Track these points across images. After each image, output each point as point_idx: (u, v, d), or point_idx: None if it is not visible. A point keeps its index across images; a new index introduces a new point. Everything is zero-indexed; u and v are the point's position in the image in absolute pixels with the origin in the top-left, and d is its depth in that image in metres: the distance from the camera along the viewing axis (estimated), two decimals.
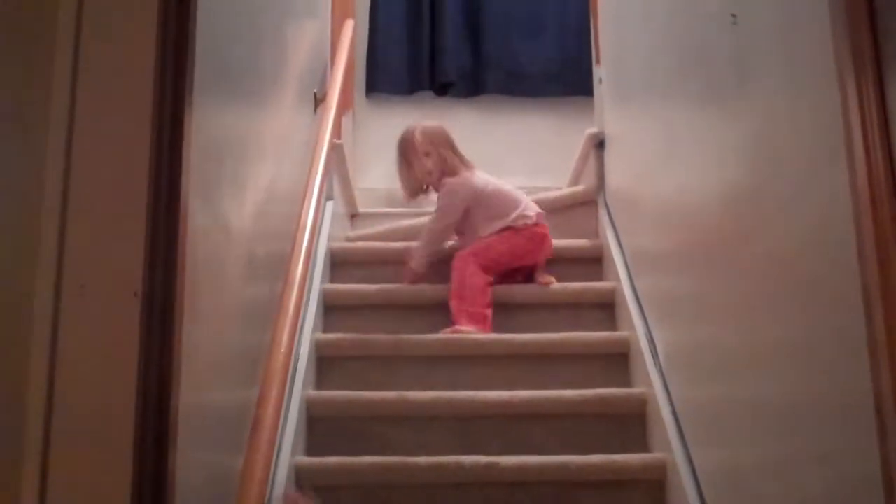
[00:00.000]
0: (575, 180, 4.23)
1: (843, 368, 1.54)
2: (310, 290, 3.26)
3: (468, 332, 3.27)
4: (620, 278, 3.41)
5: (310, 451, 2.84)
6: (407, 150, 3.76)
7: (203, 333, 1.81)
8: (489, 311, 3.38)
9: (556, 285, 3.48)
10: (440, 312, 3.38)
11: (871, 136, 1.36)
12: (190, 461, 1.64)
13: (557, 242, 3.69)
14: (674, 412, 2.74)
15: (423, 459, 2.67)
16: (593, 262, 3.72)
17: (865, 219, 1.38)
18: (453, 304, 3.37)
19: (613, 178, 3.82)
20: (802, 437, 1.78)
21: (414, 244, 3.64)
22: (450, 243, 3.68)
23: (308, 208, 3.22)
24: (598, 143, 3.97)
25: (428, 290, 3.49)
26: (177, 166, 1.43)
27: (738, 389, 2.18)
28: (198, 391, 1.74)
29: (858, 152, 1.40)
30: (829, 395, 1.66)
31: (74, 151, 1.35)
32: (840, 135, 1.49)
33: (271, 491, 2.41)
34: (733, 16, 2.11)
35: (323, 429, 2.91)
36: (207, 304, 1.84)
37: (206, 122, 1.73)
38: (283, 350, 2.52)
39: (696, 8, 2.46)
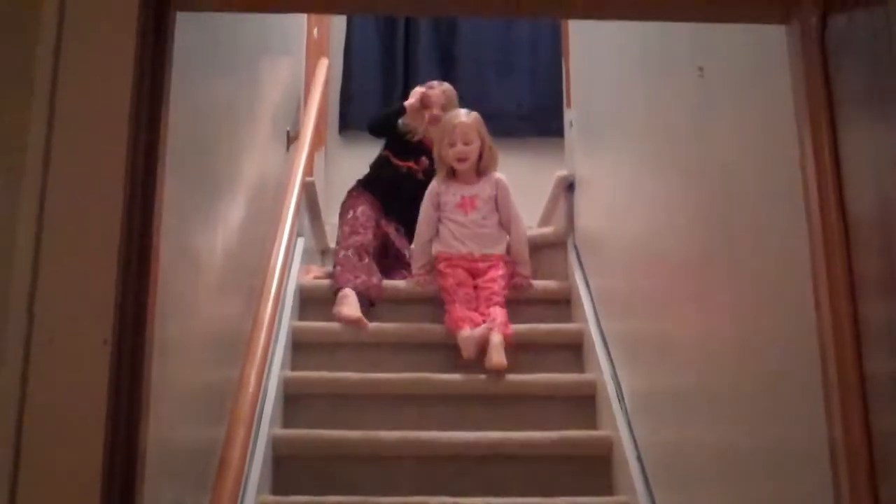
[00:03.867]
0: (545, 221, 4.27)
1: (801, 415, 1.58)
2: (279, 327, 3.27)
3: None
4: (588, 320, 3.44)
5: (275, 489, 2.84)
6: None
7: (171, 374, 1.82)
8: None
9: (523, 327, 3.50)
10: (409, 351, 3.40)
11: (825, 187, 1.41)
12: (157, 499, 1.64)
13: None
14: (638, 455, 2.77)
15: (388, 500, 2.68)
16: (562, 304, 3.75)
17: (820, 272, 1.42)
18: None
19: (583, 220, 3.86)
20: (759, 482, 1.81)
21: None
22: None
23: (279, 246, 3.25)
24: (568, 186, 4.01)
25: (394, 328, 3.50)
26: (150, 209, 1.45)
27: (698, 433, 2.21)
28: (166, 432, 1.75)
29: (814, 205, 1.44)
30: (786, 442, 1.69)
31: (48, 195, 1.36)
32: (797, 187, 1.54)
33: None
34: (700, 69, 2.16)
35: (289, 467, 2.91)
36: (176, 344, 1.85)
37: (180, 161, 1.75)
38: (250, 390, 2.53)
39: (666, 58, 2.52)
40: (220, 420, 2.38)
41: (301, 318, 3.62)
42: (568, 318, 3.69)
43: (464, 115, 3.79)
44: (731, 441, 1.97)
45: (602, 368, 3.18)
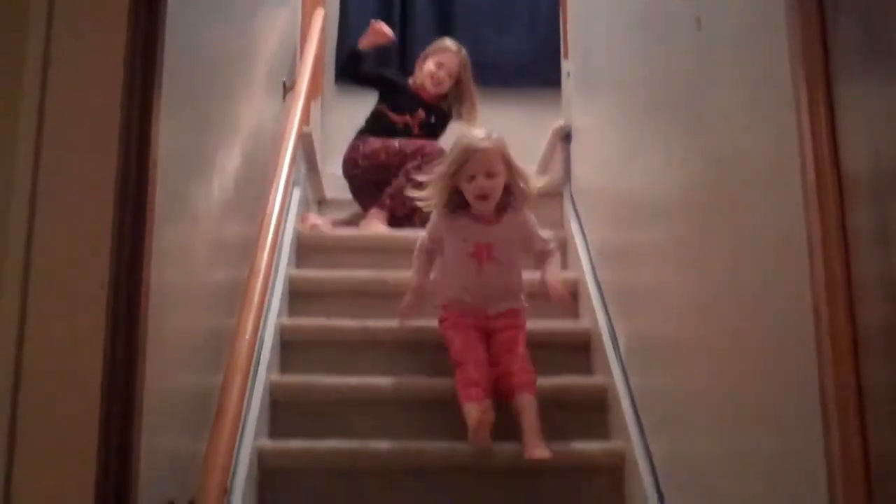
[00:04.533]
0: (541, 171, 4.26)
1: (796, 362, 1.59)
2: (276, 276, 3.29)
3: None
4: (584, 269, 3.46)
5: (273, 434, 2.88)
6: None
7: (169, 321, 1.84)
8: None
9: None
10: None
11: (820, 143, 1.42)
12: (154, 446, 1.67)
13: None
14: (633, 402, 2.80)
15: (385, 444, 2.71)
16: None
17: (814, 222, 1.44)
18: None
19: (579, 171, 3.86)
20: (753, 428, 1.84)
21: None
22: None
23: (275, 194, 3.25)
24: (565, 136, 4.01)
25: (391, 277, 3.50)
26: (145, 156, 1.46)
27: (693, 381, 2.24)
28: (163, 378, 1.77)
29: (809, 158, 1.45)
30: (777, 389, 1.71)
31: (44, 139, 1.37)
32: (794, 143, 1.55)
33: (234, 475, 2.44)
34: (698, 20, 2.15)
35: (286, 413, 2.94)
36: (173, 291, 1.87)
37: (176, 108, 1.75)
38: (247, 337, 2.55)
39: (664, 9, 2.51)
40: (217, 367, 2.41)
41: (298, 266, 3.64)
42: (563, 266, 3.69)
43: (484, 139, 2.90)
44: (725, 387, 2.00)
45: (597, 317, 3.20)
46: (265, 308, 2.96)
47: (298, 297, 3.46)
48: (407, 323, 3.09)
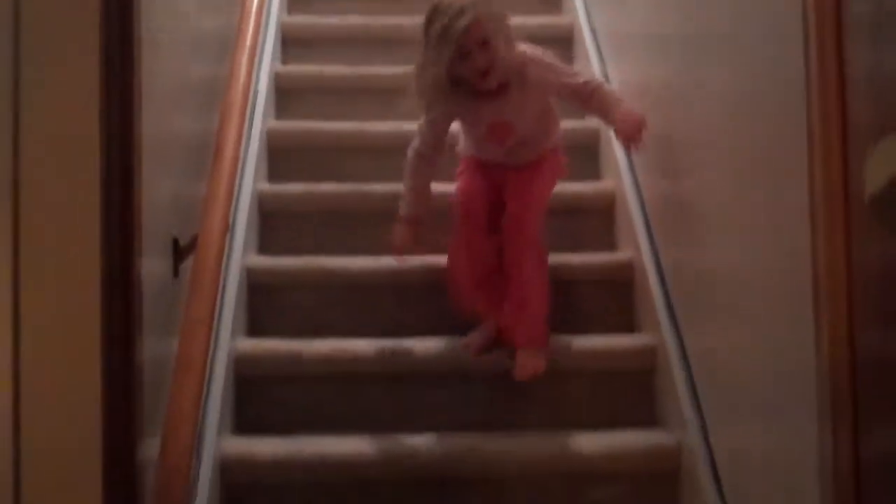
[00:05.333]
0: None
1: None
2: (268, 20, 3.26)
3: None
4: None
5: (271, 178, 2.96)
6: None
7: (163, 65, 1.87)
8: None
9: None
10: (403, 46, 3.30)
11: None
12: (154, 189, 1.74)
13: None
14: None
15: (380, 186, 2.79)
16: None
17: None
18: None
19: None
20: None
21: None
22: None
23: None
24: None
25: (395, 23, 3.42)
26: None
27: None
28: (159, 122, 1.81)
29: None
30: (764, 131, 1.74)
31: None
32: None
33: (235, 215, 2.54)
34: None
35: (284, 159, 3.00)
36: (164, 38, 1.88)
37: None
38: (241, 80, 2.58)
39: None
40: (213, 113, 2.45)
41: (291, 13, 3.59)
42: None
43: (459, 13, 2.30)
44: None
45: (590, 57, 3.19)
46: (258, 54, 2.96)
47: (292, 44, 3.44)
48: (406, 261, 2.55)
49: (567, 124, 2.77)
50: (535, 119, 2.48)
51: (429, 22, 2.34)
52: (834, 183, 1.38)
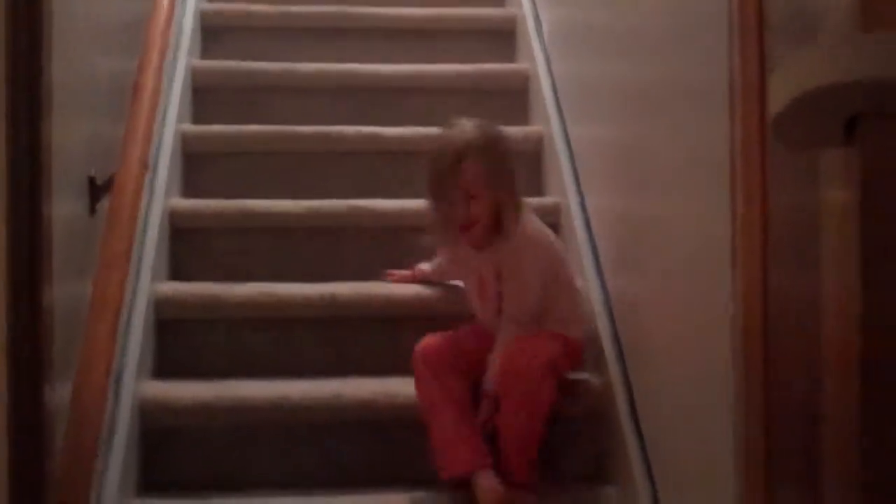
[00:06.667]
0: None
1: (704, 49, 1.62)
2: None
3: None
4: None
5: (196, 120, 2.90)
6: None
7: (78, 3, 1.81)
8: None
9: None
10: None
11: None
12: (69, 128, 1.69)
13: None
14: (554, 88, 2.85)
15: (307, 128, 2.75)
16: None
17: None
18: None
19: None
20: (658, 114, 1.89)
21: None
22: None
23: None
24: None
25: None
26: None
27: (611, 68, 2.27)
28: (74, 62, 1.75)
29: None
30: (688, 80, 1.75)
31: None
32: None
33: (157, 155, 2.48)
34: None
35: (209, 99, 2.95)
36: None
37: None
38: (163, 15, 2.50)
39: None
40: (133, 50, 2.38)
41: None
42: None
43: (458, 150, 2.06)
44: (637, 75, 2.04)
45: (522, 3, 3.18)
46: None
47: None
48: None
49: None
50: (526, 283, 2.11)
51: (430, 159, 2.12)
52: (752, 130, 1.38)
